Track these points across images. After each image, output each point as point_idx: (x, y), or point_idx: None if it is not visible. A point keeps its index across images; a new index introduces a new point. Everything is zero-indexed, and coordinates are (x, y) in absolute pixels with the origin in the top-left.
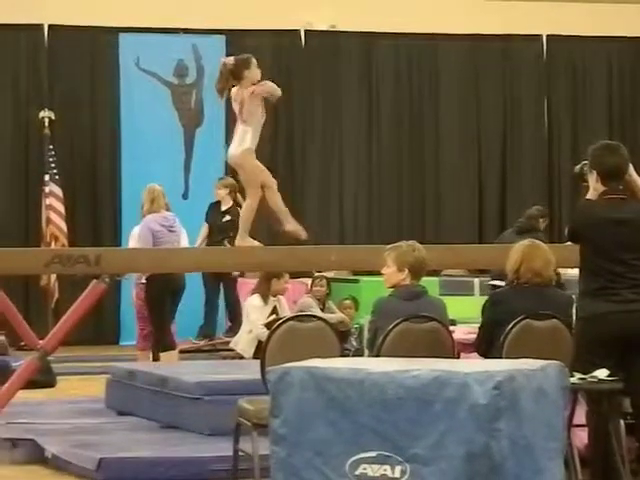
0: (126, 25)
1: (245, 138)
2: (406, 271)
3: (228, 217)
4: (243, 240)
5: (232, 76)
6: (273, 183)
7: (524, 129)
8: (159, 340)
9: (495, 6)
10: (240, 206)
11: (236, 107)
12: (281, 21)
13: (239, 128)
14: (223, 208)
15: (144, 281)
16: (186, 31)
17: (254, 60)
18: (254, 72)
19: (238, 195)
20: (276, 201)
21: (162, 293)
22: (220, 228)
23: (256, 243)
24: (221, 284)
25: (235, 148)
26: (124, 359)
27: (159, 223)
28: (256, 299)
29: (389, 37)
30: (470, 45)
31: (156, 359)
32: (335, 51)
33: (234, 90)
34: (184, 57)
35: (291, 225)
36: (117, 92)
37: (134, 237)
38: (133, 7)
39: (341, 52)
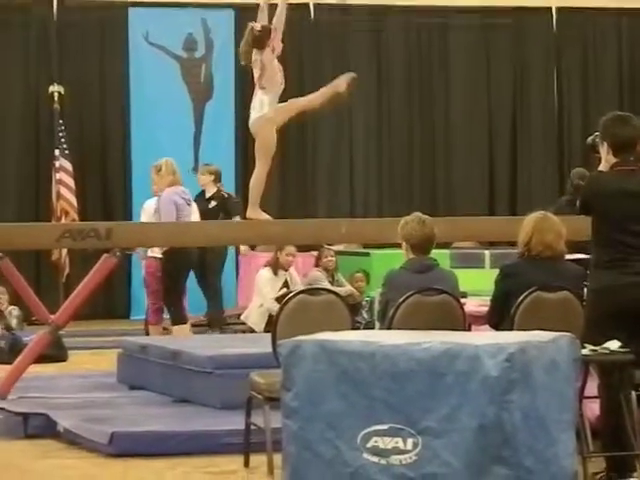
0: None
1: (263, 106)
2: (404, 244)
3: (214, 203)
4: (254, 212)
5: (256, 42)
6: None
7: (534, 101)
8: (174, 314)
9: None
10: (224, 193)
11: (256, 73)
12: None
13: (257, 94)
14: (207, 195)
15: (159, 255)
16: (195, 5)
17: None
18: (277, 44)
19: (222, 184)
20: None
21: (180, 268)
22: (207, 215)
23: (266, 216)
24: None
25: (255, 115)
26: (135, 333)
27: (180, 196)
28: (266, 272)
29: (399, 11)
30: (480, 18)
31: (165, 333)
32: (345, 25)
33: (255, 56)
34: (193, 31)
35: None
36: (126, 66)
37: (147, 211)
38: None
39: (351, 26)
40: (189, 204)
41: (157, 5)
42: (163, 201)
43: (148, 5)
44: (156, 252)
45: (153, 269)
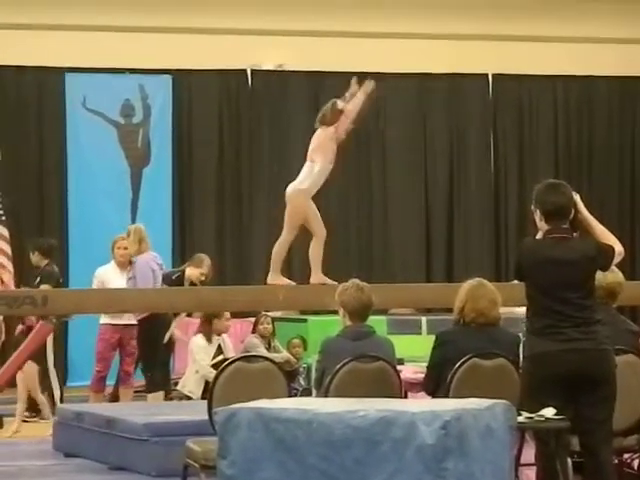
0: (72, 65)
1: (306, 179)
2: (341, 310)
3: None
4: (274, 278)
5: (326, 117)
6: (322, 234)
7: (471, 167)
8: (152, 380)
9: (441, 45)
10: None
11: (311, 145)
12: (227, 61)
13: (306, 165)
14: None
15: (112, 322)
16: (132, 71)
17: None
18: (342, 129)
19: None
20: (315, 252)
21: (159, 332)
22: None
23: (287, 281)
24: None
25: (294, 184)
26: (72, 400)
27: (156, 262)
28: (200, 339)
29: (336, 76)
30: (417, 84)
31: (115, 399)
32: (282, 91)
33: (319, 130)
34: (130, 97)
35: (315, 278)
36: (63, 132)
37: (99, 278)
38: (79, 47)
39: (288, 92)
40: (161, 269)
41: (94, 71)
42: (140, 267)
43: (85, 71)
44: (109, 318)
45: (107, 336)
